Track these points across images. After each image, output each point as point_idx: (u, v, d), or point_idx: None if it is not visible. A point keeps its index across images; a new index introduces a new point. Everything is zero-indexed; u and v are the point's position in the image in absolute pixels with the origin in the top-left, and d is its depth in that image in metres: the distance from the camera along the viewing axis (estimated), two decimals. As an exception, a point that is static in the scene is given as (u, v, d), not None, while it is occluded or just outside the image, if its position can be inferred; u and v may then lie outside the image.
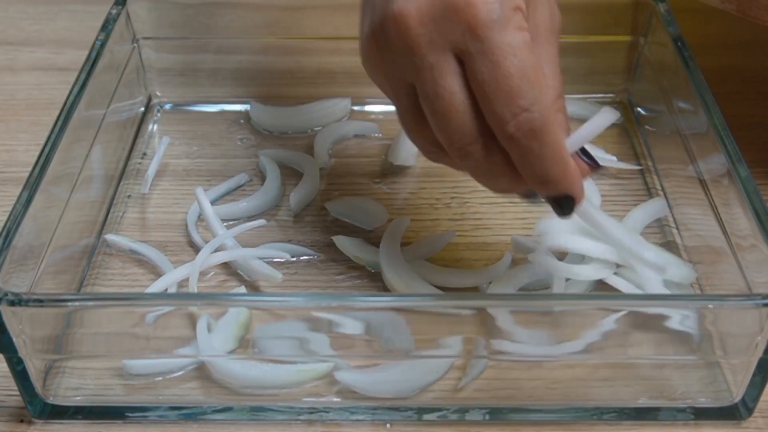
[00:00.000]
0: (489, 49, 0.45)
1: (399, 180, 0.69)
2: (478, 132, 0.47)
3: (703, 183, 0.61)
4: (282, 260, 0.63)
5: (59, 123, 0.60)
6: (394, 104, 0.51)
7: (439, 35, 0.46)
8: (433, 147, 0.50)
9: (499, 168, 0.48)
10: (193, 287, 0.59)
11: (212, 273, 0.62)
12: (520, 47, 0.46)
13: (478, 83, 0.46)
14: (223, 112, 0.76)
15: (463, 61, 0.46)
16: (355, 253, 0.62)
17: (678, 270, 0.60)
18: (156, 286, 0.59)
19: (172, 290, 0.59)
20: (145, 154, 0.73)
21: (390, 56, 0.48)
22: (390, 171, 0.71)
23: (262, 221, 0.64)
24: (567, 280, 0.59)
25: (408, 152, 0.70)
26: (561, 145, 0.47)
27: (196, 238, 0.64)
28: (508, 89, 0.45)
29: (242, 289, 0.60)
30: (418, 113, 0.49)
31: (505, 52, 0.45)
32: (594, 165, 0.50)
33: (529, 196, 0.51)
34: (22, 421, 0.54)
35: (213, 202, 0.67)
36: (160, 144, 0.70)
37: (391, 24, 0.47)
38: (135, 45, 0.74)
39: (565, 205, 0.49)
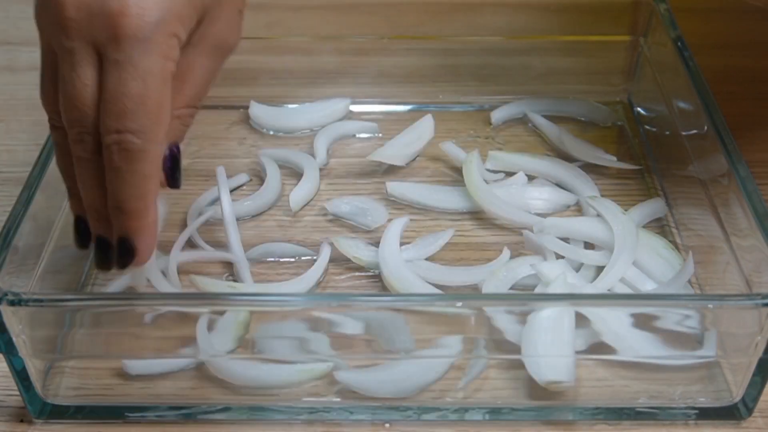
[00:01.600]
0: (123, 63, 0.45)
1: (399, 180, 0.69)
2: (84, 119, 0.47)
3: (702, 183, 0.61)
4: (282, 260, 0.63)
5: (59, 123, 0.60)
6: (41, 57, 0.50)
7: (87, 28, 0.46)
8: (56, 117, 0.49)
9: (85, 171, 0.48)
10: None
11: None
12: (155, 75, 0.46)
13: (104, 87, 0.46)
14: (223, 112, 0.76)
15: (101, 61, 0.46)
16: (355, 253, 0.62)
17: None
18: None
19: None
20: (145, 154, 0.73)
21: (46, 21, 0.48)
22: (390, 171, 0.71)
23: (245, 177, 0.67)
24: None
25: (394, 151, 0.70)
26: (150, 185, 0.47)
27: (196, 237, 0.64)
28: (122, 107, 0.45)
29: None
30: (53, 80, 0.48)
31: (137, 74, 0.46)
32: (172, 185, 0.51)
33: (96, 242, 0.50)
34: (22, 421, 0.54)
35: (213, 203, 0.67)
36: None
37: (51, 5, 0.46)
38: (135, 45, 0.74)
39: (124, 253, 0.49)
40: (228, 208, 0.63)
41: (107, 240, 0.49)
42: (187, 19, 0.48)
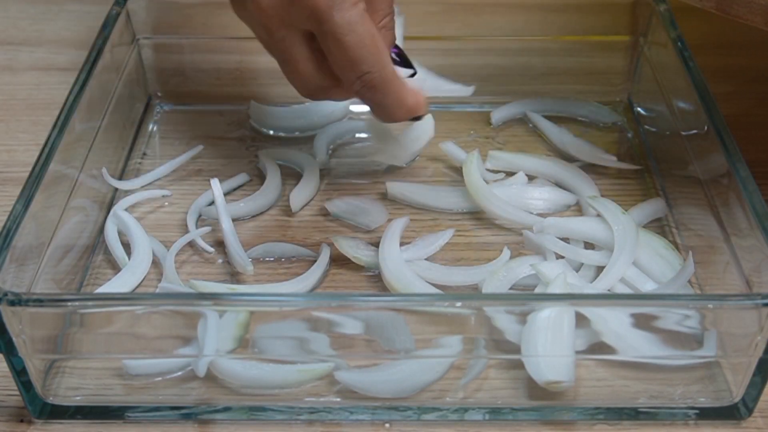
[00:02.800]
0: (331, 29, 0.55)
1: (399, 180, 0.69)
2: (315, 91, 0.59)
3: (702, 183, 0.61)
4: (280, 259, 0.63)
5: (59, 123, 0.60)
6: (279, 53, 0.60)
7: (288, 17, 0.56)
8: (328, 82, 0.59)
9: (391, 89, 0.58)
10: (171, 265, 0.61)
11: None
12: (357, 22, 0.55)
13: (329, 54, 0.56)
14: (223, 112, 0.76)
15: (313, 36, 0.56)
16: (354, 253, 0.62)
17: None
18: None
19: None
20: (145, 154, 0.73)
21: (248, 22, 0.60)
22: (390, 171, 0.71)
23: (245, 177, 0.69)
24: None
25: (394, 152, 0.70)
26: (400, 91, 0.58)
27: (197, 238, 0.64)
28: (351, 59, 0.55)
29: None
30: (315, 55, 0.58)
31: (345, 29, 0.55)
32: (412, 72, 0.61)
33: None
34: (22, 421, 0.54)
35: (212, 203, 0.67)
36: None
37: (249, 4, 0.57)
38: (135, 45, 0.74)
39: (415, 119, 0.61)
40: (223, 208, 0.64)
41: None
42: None
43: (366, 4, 0.56)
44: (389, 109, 0.58)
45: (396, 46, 0.61)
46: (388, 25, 0.59)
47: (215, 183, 0.65)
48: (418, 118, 0.61)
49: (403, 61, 0.61)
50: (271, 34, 0.57)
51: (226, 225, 0.63)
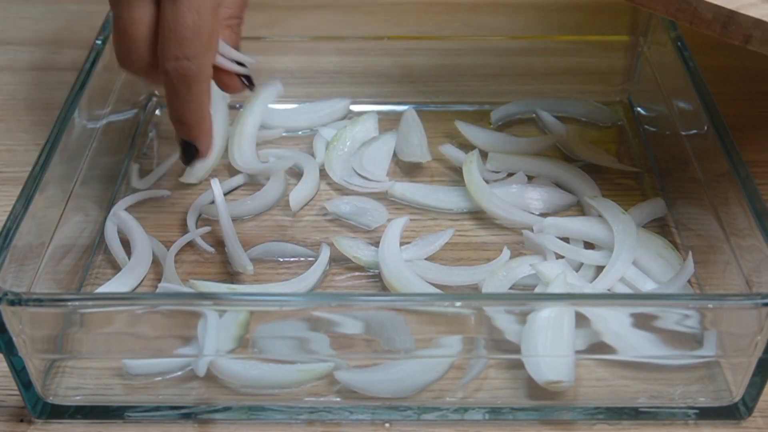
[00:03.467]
0: (181, 1, 0.52)
1: (398, 179, 0.69)
2: (139, 61, 0.54)
3: (702, 183, 0.61)
4: (282, 260, 0.63)
5: (59, 123, 0.60)
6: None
7: None
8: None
9: (201, 88, 0.55)
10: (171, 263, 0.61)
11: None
12: (206, 7, 0.53)
13: (163, 22, 0.53)
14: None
15: (158, 3, 0.53)
16: (355, 253, 0.62)
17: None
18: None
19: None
20: (145, 154, 0.73)
21: None
22: (389, 171, 0.71)
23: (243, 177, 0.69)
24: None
25: (417, 149, 0.70)
26: (205, 100, 0.55)
27: (197, 238, 0.64)
28: (180, 36, 0.52)
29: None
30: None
31: (192, 7, 0.52)
32: (250, 85, 0.59)
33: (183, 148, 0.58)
34: (22, 421, 0.54)
35: (212, 202, 0.67)
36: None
37: None
38: (135, 45, 0.74)
39: (188, 152, 0.58)
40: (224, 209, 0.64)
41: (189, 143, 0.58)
42: None
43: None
44: (185, 107, 0.55)
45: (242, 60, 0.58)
46: (234, 26, 0.58)
47: (215, 183, 0.65)
48: (188, 156, 0.58)
49: (246, 77, 0.59)
50: None
51: (226, 225, 0.63)
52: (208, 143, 0.58)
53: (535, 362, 0.53)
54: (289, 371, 0.54)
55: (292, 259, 0.63)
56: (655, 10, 0.55)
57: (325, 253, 0.62)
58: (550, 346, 0.52)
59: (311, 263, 0.62)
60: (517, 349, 0.52)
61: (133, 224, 0.64)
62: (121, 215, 0.65)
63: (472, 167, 0.67)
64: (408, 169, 0.71)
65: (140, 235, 0.63)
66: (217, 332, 0.52)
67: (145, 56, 0.54)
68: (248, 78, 0.59)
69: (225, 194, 0.68)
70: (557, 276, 0.58)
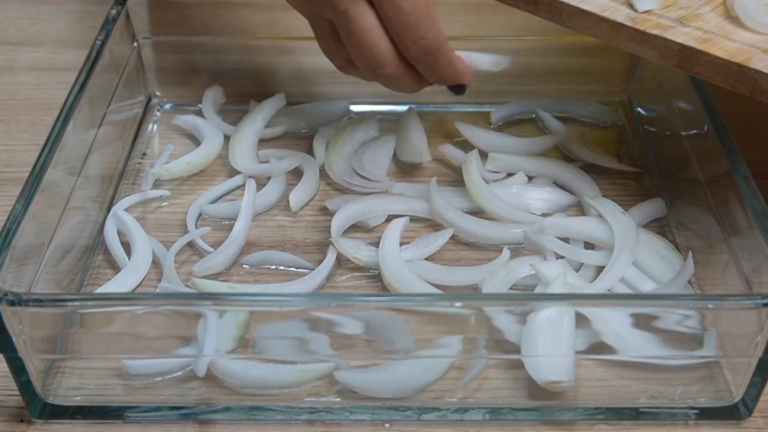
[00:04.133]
0: None
1: (398, 179, 0.69)
2: (384, 58, 0.59)
3: (702, 183, 0.61)
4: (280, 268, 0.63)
5: (59, 123, 0.60)
6: (312, 28, 0.62)
7: None
8: (346, 64, 0.62)
9: (403, 80, 0.61)
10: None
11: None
12: None
13: (387, 20, 0.58)
14: (222, 112, 0.76)
15: (374, 6, 0.58)
16: (355, 253, 0.62)
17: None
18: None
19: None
20: (145, 154, 0.73)
21: (303, 4, 0.61)
22: (389, 171, 0.71)
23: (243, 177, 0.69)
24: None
25: (417, 149, 0.70)
26: (450, 56, 0.60)
27: (197, 238, 0.64)
28: (407, 24, 0.57)
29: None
30: (334, 38, 0.61)
31: None
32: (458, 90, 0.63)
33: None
34: (22, 421, 0.54)
35: (213, 202, 0.67)
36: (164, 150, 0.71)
37: None
38: (135, 45, 0.74)
39: (459, 89, 0.63)
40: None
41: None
42: None
43: None
44: (439, 71, 0.60)
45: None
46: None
47: (251, 183, 0.66)
48: (460, 91, 0.63)
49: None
50: (335, 11, 0.58)
51: (241, 227, 0.63)
52: (470, 75, 0.62)
53: (535, 362, 0.53)
54: (289, 371, 0.54)
55: (290, 268, 0.63)
56: (713, 80, 0.57)
57: (331, 257, 0.62)
58: (550, 347, 0.52)
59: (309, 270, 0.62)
60: (517, 350, 0.52)
61: (132, 225, 0.64)
62: (120, 216, 0.65)
63: (472, 167, 0.67)
64: (408, 169, 0.71)
65: (140, 235, 0.63)
66: (217, 332, 0.52)
67: (387, 52, 0.59)
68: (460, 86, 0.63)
69: (224, 194, 0.69)
70: (557, 276, 0.58)
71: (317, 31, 0.62)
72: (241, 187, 0.69)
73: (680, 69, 0.58)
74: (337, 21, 0.59)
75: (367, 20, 0.58)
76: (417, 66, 0.60)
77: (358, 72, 0.62)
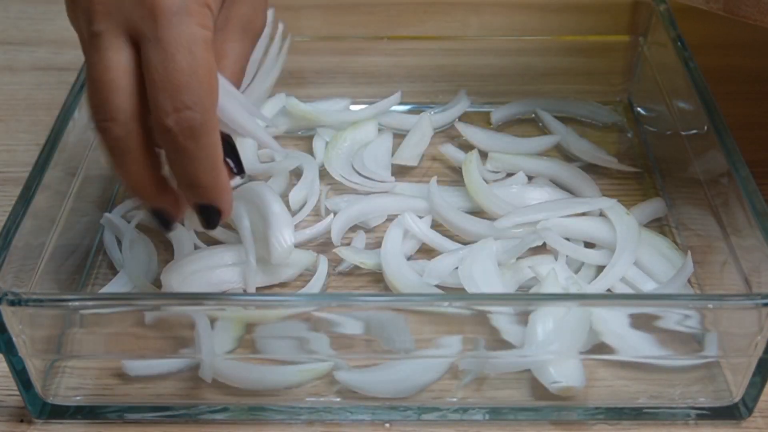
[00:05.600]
0: (165, 39, 0.45)
1: (398, 179, 0.69)
2: (116, 110, 0.46)
3: (702, 183, 0.61)
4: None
5: (59, 123, 0.60)
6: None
7: (118, 10, 0.45)
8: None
9: (134, 162, 0.47)
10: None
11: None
12: (197, 44, 0.45)
13: (148, 70, 0.45)
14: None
15: (138, 44, 0.46)
16: (360, 259, 0.62)
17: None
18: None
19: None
20: (145, 154, 0.73)
21: (75, 12, 0.47)
22: (390, 170, 0.71)
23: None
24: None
25: (410, 153, 0.70)
26: (217, 153, 0.47)
27: (196, 238, 0.64)
28: (176, 83, 0.44)
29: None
30: None
31: (181, 45, 0.45)
32: (239, 172, 0.50)
33: (156, 216, 0.50)
34: (22, 421, 0.54)
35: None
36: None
37: None
38: (135, 45, 0.74)
39: (210, 216, 0.49)
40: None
41: (165, 210, 0.50)
42: None
43: (215, 38, 0.47)
44: (197, 166, 0.46)
45: (228, 135, 0.50)
46: (237, 75, 0.50)
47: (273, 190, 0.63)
48: (212, 220, 0.49)
49: (234, 158, 0.50)
50: (90, 23, 0.46)
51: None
52: (229, 200, 0.49)
53: (544, 369, 0.53)
54: (289, 371, 0.54)
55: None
56: (763, 22, 0.54)
57: (322, 268, 0.62)
58: (558, 352, 0.52)
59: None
60: (517, 350, 0.52)
61: (126, 228, 0.63)
62: (114, 222, 0.64)
63: (472, 167, 0.67)
64: (408, 169, 0.71)
65: (136, 237, 0.63)
66: (216, 332, 0.52)
67: (127, 107, 0.46)
68: (237, 162, 0.50)
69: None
70: (548, 273, 0.58)
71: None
72: (241, 186, 0.69)
73: (726, 13, 0.55)
74: (84, 42, 0.47)
75: (117, 57, 0.45)
76: (167, 148, 0.46)
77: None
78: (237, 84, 0.50)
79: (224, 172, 0.48)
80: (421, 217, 0.65)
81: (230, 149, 0.50)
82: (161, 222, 0.50)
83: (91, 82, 0.46)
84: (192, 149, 0.46)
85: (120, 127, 0.46)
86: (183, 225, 0.56)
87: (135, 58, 0.46)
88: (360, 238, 0.64)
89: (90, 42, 0.46)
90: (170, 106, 0.45)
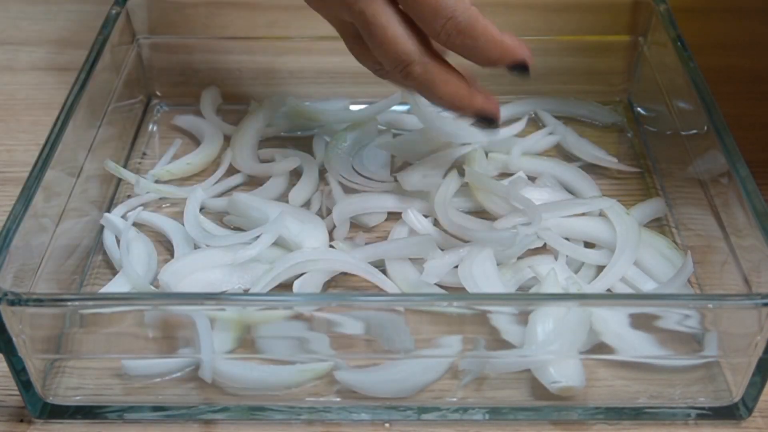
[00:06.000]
0: None
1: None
2: (409, 54, 0.55)
3: (702, 183, 0.61)
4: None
5: (59, 123, 0.60)
6: (340, 35, 0.60)
7: None
8: (378, 67, 0.58)
9: (438, 80, 0.56)
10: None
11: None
12: None
13: (409, 11, 0.54)
14: (223, 112, 0.76)
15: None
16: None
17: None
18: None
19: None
20: (145, 154, 0.73)
21: (328, 2, 0.57)
22: (390, 170, 0.71)
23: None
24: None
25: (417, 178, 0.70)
26: (491, 29, 0.55)
27: (196, 236, 0.64)
28: (430, 7, 0.53)
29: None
30: (360, 42, 0.58)
31: None
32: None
33: (479, 118, 0.59)
34: (22, 421, 0.54)
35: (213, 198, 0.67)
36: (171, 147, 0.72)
37: None
38: (135, 45, 0.74)
39: (521, 70, 0.56)
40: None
41: (488, 109, 0.59)
42: None
43: None
44: (484, 51, 0.55)
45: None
46: None
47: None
48: (524, 72, 0.57)
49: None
50: (352, 10, 0.55)
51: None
52: (524, 48, 0.56)
53: (544, 369, 0.53)
54: (289, 371, 0.54)
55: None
56: None
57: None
58: (559, 352, 0.52)
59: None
60: (517, 350, 0.52)
61: (125, 228, 0.63)
62: (114, 222, 0.64)
63: (474, 165, 0.66)
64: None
65: (135, 238, 0.63)
66: (216, 332, 0.52)
67: (415, 48, 0.55)
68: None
69: (223, 194, 0.69)
70: (548, 273, 0.58)
71: (345, 37, 0.60)
72: (240, 186, 0.69)
73: None
74: (357, 22, 0.56)
75: (385, 17, 0.55)
76: (459, 53, 0.56)
77: (393, 75, 0.58)
78: None
79: (504, 37, 0.55)
80: (426, 217, 0.65)
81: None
82: (488, 122, 0.59)
83: (377, 45, 0.56)
84: (473, 42, 0.55)
85: (419, 65, 0.56)
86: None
87: (396, 10, 0.55)
88: (360, 239, 0.64)
89: (360, 18, 0.55)
90: (438, 25, 0.54)
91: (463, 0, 0.54)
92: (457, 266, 0.60)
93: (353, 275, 0.61)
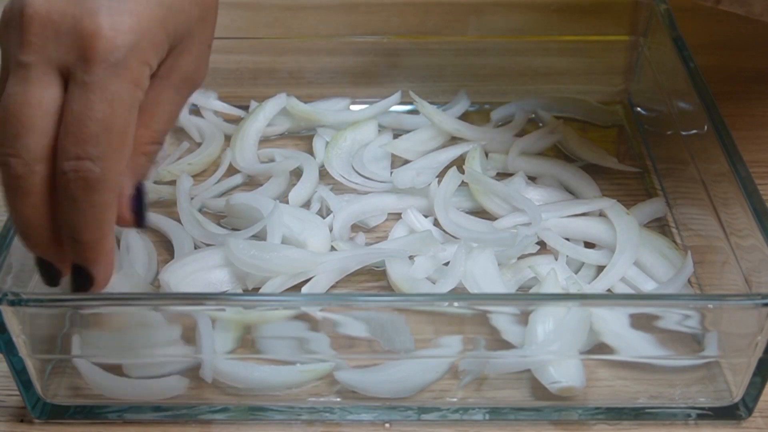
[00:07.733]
0: (91, 85, 0.43)
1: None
2: (26, 151, 0.44)
3: (702, 183, 0.61)
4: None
5: (59, 123, 0.60)
6: None
7: (54, 46, 0.44)
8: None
9: (28, 201, 0.45)
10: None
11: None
12: (122, 102, 0.44)
13: (66, 110, 0.44)
14: (222, 112, 0.76)
15: (66, 84, 0.44)
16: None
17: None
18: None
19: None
20: (145, 154, 0.73)
21: (7, 38, 0.45)
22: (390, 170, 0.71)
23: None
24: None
25: (408, 145, 0.71)
26: (106, 214, 0.45)
27: (194, 235, 0.64)
28: (86, 131, 0.43)
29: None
30: None
31: (104, 97, 0.43)
32: (139, 224, 0.48)
33: (41, 267, 0.48)
34: (22, 421, 0.54)
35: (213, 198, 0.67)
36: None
37: (17, 14, 0.44)
38: (135, 45, 0.74)
39: (81, 281, 0.47)
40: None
41: (51, 264, 0.48)
42: (160, 47, 0.46)
43: (143, 112, 0.46)
44: (82, 221, 0.45)
45: (142, 185, 0.48)
46: (150, 154, 0.48)
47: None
48: (82, 282, 0.47)
49: (139, 208, 0.48)
50: (20, 51, 0.44)
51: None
52: (107, 272, 0.47)
53: (545, 369, 0.53)
54: (289, 372, 0.54)
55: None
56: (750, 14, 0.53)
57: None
58: (559, 352, 0.52)
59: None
60: (517, 350, 0.52)
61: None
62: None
63: (473, 163, 0.67)
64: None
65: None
66: (216, 332, 0.52)
67: (36, 148, 0.44)
68: (140, 214, 0.48)
69: (223, 193, 0.69)
70: (548, 273, 0.58)
71: None
72: (240, 186, 0.69)
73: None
74: (9, 70, 0.45)
75: (40, 94, 0.44)
76: (59, 190, 0.44)
77: None
78: (164, 132, 0.49)
79: (110, 237, 0.46)
80: (426, 216, 0.65)
81: (138, 197, 0.48)
82: (46, 275, 0.48)
83: (3, 110, 0.44)
84: (81, 201, 0.44)
85: (22, 166, 0.44)
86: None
87: (60, 96, 0.44)
88: (360, 239, 0.64)
89: (15, 70, 0.44)
90: (72, 152, 0.43)
91: (118, 158, 0.44)
92: (447, 263, 0.60)
93: (353, 275, 0.61)
